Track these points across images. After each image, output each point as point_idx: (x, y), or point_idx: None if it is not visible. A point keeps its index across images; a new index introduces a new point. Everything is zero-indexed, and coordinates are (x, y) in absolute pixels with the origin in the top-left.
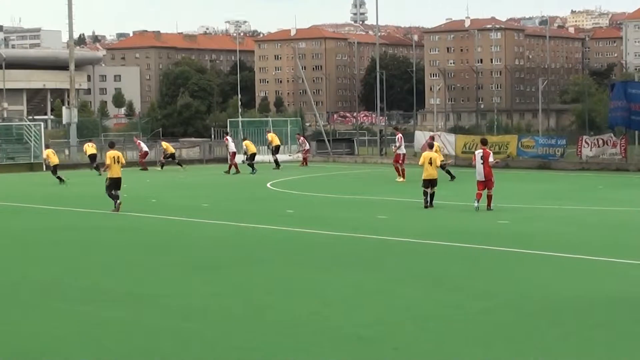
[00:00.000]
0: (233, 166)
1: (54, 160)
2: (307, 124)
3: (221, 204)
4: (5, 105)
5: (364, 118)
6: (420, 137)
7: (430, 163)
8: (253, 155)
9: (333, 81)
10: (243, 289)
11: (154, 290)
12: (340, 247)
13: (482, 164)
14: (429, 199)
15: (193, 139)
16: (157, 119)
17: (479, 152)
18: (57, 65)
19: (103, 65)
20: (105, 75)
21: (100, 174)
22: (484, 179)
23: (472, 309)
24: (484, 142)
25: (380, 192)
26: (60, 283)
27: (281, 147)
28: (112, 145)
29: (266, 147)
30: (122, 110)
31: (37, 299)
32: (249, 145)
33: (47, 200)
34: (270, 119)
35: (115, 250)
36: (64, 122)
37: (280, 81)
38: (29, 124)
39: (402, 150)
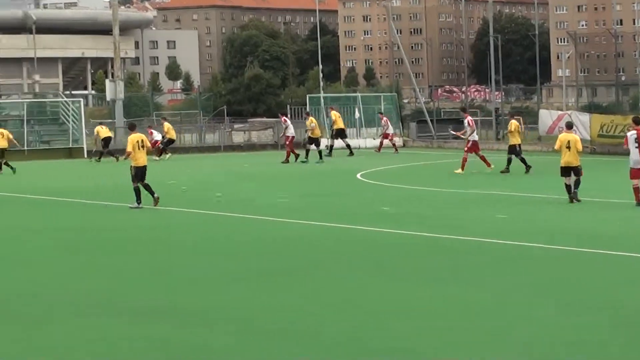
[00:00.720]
0: (291, 153)
1: (104, 133)
2: (405, 101)
3: (301, 198)
4: (37, 77)
5: (475, 94)
6: (547, 116)
7: (569, 147)
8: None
9: (436, 48)
10: (334, 303)
11: (219, 306)
12: (436, 253)
13: (636, 147)
14: (573, 190)
15: (264, 119)
16: (220, 95)
17: (632, 134)
18: (98, 29)
19: (154, 29)
20: (157, 42)
21: (117, 160)
22: (638, 167)
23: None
24: (637, 121)
25: (494, 185)
26: (112, 297)
27: (374, 129)
28: (132, 128)
29: (356, 129)
30: (178, 84)
31: (75, 316)
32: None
33: (87, 193)
34: (359, 94)
35: (180, 256)
36: (108, 98)
37: (371, 48)
38: (65, 101)
39: (474, 137)
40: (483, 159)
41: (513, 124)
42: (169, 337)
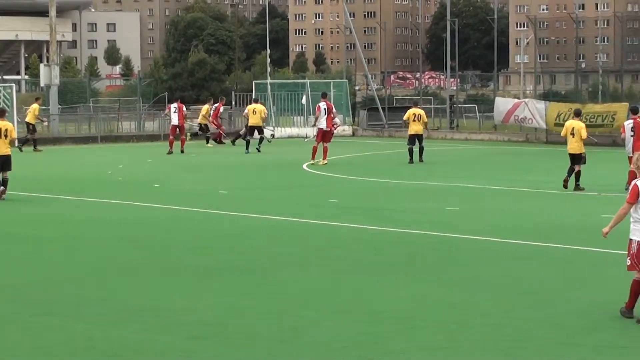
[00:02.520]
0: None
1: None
2: (356, 88)
3: (244, 190)
4: None
5: (430, 80)
6: (503, 104)
7: (573, 134)
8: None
9: (390, 33)
10: (271, 300)
11: (152, 302)
12: (398, 247)
13: (632, 136)
14: (566, 177)
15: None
16: (161, 81)
17: (628, 123)
18: (33, 10)
19: (93, 10)
20: (96, 24)
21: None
22: (630, 155)
23: (576, 328)
24: (635, 111)
25: (450, 177)
26: (35, 293)
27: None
28: (1, 114)
29: (303, 117)
30: (118, 69)
31: (9, 312)
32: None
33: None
34: (308, 80)
35: (106, 250)
36: (42, 83)
37: (322, 32)
38: None
39: (321, 124)
40: (317, 150)
41: (410, 113)
42: (96, 335)
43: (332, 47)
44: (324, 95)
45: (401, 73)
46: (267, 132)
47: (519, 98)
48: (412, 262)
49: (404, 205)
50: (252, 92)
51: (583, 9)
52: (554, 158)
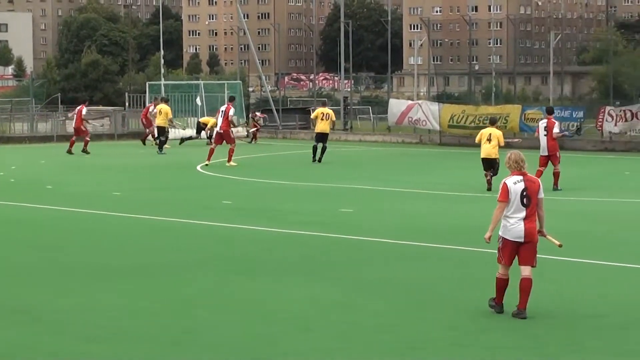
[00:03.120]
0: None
1: None
2: (250, 89)
3: (138, 192)
4: None
5: (324, 82)
6: (396, 106)
7: (490, 140)
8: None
9: (284, 34)
10: (165, 302)
11: (46, 304)
12: (292, 248)
13: (545, 135)
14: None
15: (101, 107)
16: (54, 82)
17: (542, 123)
18: None
19: None
20: None
21: None
22: (547, 154)
23: (469, 329)
24: (549, 111)
25: (344, 178)
26: None
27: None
28: None
29: (197, 118)
30: (10, 70)
31: None
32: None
33: None
34: (201, 82)
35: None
36: None
37: (216, 33)
38: None
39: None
40: (213, 152)
41: (318, 111)
42: None
43: (226, 49)
44: (231, 99)
45: (295, 74)
46: (188, 132)
47: (412, 100)
48: (306, 263)
49: (298, 206)
50: (145, 93)
51: (476, 11)
52: (447, 159)
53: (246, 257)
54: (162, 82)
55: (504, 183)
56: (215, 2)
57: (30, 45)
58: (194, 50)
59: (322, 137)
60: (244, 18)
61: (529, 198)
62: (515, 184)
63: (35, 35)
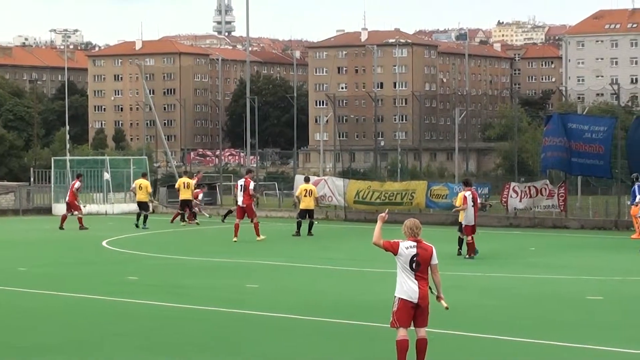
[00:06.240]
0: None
1: None
2: (156, 165)
3: (42, 267)
4: None
5: (230, 158)
6: (302, 182)
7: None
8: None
9: (190, 110)
10: None
11: None
12: (195, 324)
13: (472, 206)
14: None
15: (6, 182)
16: None
17: (468, 194)
18: None
19: None
20: None
21: None
22: (473, 224)
23: None
24: (467, 183)
25: (252, 254)
26: None
27: (123, 194)
28: None
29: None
30: None
31: None
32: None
33: None
34: (107, 157)
35: None
36: None
37: (121, 109)
38: None
39: (239, 201)
40: (235, 228)
41: (302, 188)
42: None
43: (131, 124)
44: (248, 172)
45: (201, 150)
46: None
47: (318, 175)
48: (206, 338)
49: (204, 282)
50: (51, 168)
51: (382, 87)
52: (353, 235)
53: (146, 334)
54: (68, 157)
55: (397, 241)
56: (121, 77)
57: None
58: (100, 126)
59: (306, 213)
60: (150, 94)
61: (418, 264)
62: (407, 248)
63: None
